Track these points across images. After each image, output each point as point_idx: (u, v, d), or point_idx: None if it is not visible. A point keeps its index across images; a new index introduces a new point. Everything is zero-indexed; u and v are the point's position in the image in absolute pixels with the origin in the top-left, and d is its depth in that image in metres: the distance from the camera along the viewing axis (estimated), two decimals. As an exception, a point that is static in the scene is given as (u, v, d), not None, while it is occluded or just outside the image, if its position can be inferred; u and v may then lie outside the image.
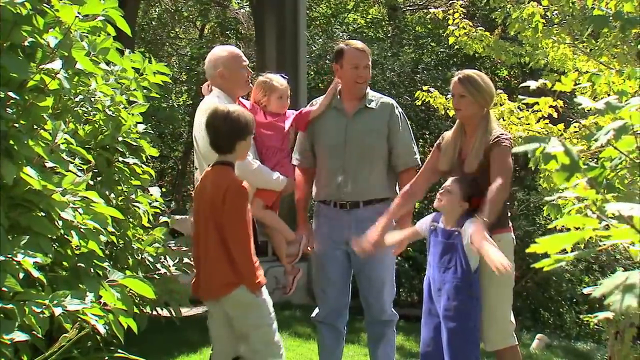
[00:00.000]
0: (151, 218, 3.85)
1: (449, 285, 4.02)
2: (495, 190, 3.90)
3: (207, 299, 3.73)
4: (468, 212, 4.04)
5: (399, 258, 10.24)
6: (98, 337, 2.92)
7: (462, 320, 4.00)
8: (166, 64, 4.29)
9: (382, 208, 4.39)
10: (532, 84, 1.81)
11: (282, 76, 4.65)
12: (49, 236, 2.77)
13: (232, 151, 3.66)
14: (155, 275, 3.74)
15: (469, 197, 4.03)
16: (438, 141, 4.39)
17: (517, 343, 4.26)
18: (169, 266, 3.85)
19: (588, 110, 1.43)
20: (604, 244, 1.40)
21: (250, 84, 4.53)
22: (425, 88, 7.93)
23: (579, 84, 3.65)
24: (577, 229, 1.44)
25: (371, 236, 4.17)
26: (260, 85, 4.57)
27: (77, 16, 2.85)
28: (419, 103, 8.19)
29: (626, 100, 1.38)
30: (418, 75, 12.65)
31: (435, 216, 4.22)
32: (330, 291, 4.56)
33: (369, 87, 4.60)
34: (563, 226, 1.55)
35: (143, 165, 3.83)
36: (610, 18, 3.90)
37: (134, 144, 3.76)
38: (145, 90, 3.84)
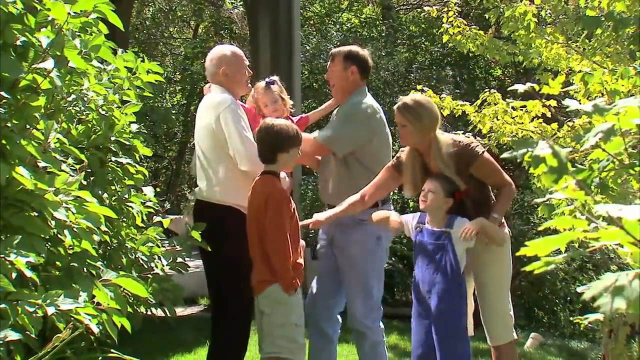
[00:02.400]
0: (145, 218, 3.85)
1: (439, 287, 4.03)
2: (507, 193, 4.10)
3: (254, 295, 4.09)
4: (453, 210, 4.07)
5: (392, 259, 10.26)
6: (92, 336, 2.91)
7: (454, 320, 4.02)
8: (160, 63, 4.29)
9: (363, 215, 4.38)
10: (521, 87, 1.82)
11: (266, 81, 4.66)
12: (42, 236, 2.76)
13: (274, 161, 3.99)
14: (149, 275, 3.74)
15: (452, 193, 4.05)
16: (395, 163, 4.33)
17: (515, 338, 4.29)
18: (163, 266, 3.84)
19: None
20: (594, 245, 1.41)
21: (250, 85, 4.57)
22: (419, 87, 7.93)
23: (571, 83, 3.66)
24: (568, 230, 1.44)
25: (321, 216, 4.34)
26: (250, 97, 4.65)
27: (68, 14, 2.84)
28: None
29: (616, 102, 1.39)
30: (412, 75, 12.66)
31: (421, 217, 4.21)
32: (315, 284, 4.57)
33: (365, 92, 4.58)
34: (556, 227, 1.56)
35: (136, 165, 3.83)
36: (603, 18, 3.91)
37: (127, 143, 3.76)
38: (138, 90, 3.84)
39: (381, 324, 4.51)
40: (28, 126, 2.84)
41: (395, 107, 4.16)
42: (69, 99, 3.30)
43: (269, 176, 4.00)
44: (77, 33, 3.02)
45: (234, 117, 4.18)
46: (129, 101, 3.79)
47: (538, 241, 1.39)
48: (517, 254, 1.47)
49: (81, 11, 2.94)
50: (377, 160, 4.46)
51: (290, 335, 3.96)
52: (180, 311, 7.97)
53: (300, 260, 4.02)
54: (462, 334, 4.04)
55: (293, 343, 3.97)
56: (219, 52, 4.49)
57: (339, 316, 4.66)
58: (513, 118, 6.44)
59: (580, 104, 1.60)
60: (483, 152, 4.08)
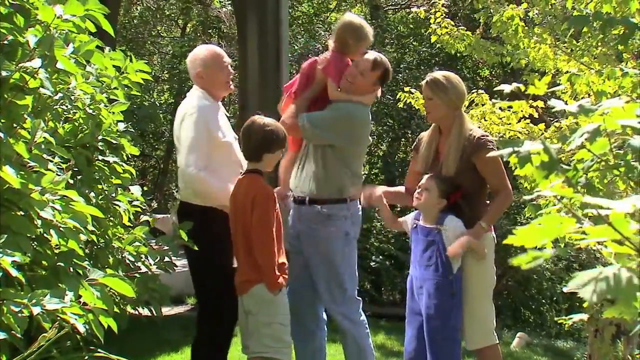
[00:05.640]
0: (132, 217, 3.83)
1: (430, 283, 4.06)
2: (502, 200, 4.17)
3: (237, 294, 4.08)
4: (446, 209, 4.11)
5: (380, 257, 10.27)
6: (78, 336, 2.90)
7: (444, 318, 4.03)
8: (147, 62, 4.26)
9: (330, 209, 4.39)
10: (506, 88, 1.83)
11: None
12: (28, 235, 2.75)
13: (258, 160, 4.01)
14: (136, 274, 3.72)
15: (446, 193, 4.09)
16: (415, 143, 4.45)
17: (498, 342, 4.30)
18: (150, 265, 3.83)
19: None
20: (580, 242, 1.41)
21: (232, 86, 4.49)
22: (407, 89, 7.97)
23: (558, 84, 3.68)
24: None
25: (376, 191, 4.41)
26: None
27: (59, 16, 2.83)
28: (401, 105, 8.24)
29: (601, 103, 1.40)
30: (400, 75, 12.68)
31: (417, 214, 4.27)
32: (290, 282, 4.55)
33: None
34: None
35: (124, 164, 3.81)
36: (590, 18, 3.93)
37: (115, 142, 3.74)
38: (126, 89, 3.82)
39: (363, 316, 4.47)
40: (15, 125, 2.82)
41: (423, 82, 4.29)
42: (56, 97, 3.28)
43: (255, 175, 4.01)
44: (65, 32, 3.01)
45: (195, 127, 4.19)
46: (117, 100, 3.77)
47: (525, 229, 1.39)
48: (504, 242, 1.47)
49: (70, 15, 2.93)
50: (355, 157, 4.50)
51: (276, 334, 3.95)
52: (167, 310, 7.95)
53: (284, 260, 4.02)
54: (452, 332, 4.06)
55: (279, 342, 3.97)
56: (196, 53, 4.45)
57: (323, 313, 4.64)
58: (500, 119, 6.47)
59: (566, 104, 1.61)
60: (493, 147, 4.12)
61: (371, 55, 4.40)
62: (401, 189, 4.59)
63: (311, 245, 4.41)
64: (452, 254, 3.97)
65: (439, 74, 4.28)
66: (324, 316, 4.63)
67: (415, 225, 4.25)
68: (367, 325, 4.48)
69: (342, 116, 4.38)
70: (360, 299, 4.49)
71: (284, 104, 4.57)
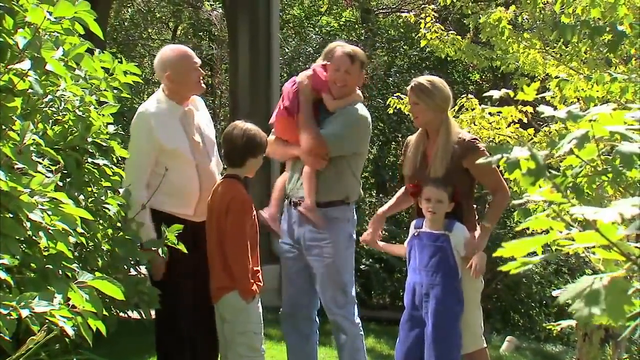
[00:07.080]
0: (121, 219, 3.82)
1: (438, 289, 4.06)
2: (501, 198, 4.21)
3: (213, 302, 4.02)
4: (450, 212, 4.15)
5: (370, 260, 10.26)
6: (66, 339, 2.89)
7: (451, 323, 4.06)
8: (138, 64, 4.25)
9: (333, 212, 4.39)
10: (495, 94, 1.84)
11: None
12: (17, 237, 2.73)
13: (242, 165, 3.96)
14: (125, 277, 3.71)
15: (452, 195, 4.13)
16: (404, 147, 4.46)
17: (485, 345, 4.32)
18: (140, 268, 3.82)
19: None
20: (569, 248, 1.42)
21: (203, 85, 4.38)
22: (396, 94, 8.01)
23: (547, 89, 3.70)
24: (544, 231, 1.46)
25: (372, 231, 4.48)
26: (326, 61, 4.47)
27: (48, 19, 2.83)
28: (391, 111, 8.27)
29: (589, 108, 1.41)
30: (391, 79, 12.70)
31: (417, 222, 4.26)
32: (287, 287, 4.55)
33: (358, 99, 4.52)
34: (533, 229, 1.57)
35: (113, 167, 3.80)
36: (579, 27, 3.96)
37: (104, 144, 3.73)
38: (115, 91, 3.81)
39: (358, 319, 4.49)
40: (4, 127, 2.81)
41: (408, 87, 4.31)
42: (45, 99, 3.27)
43: (233, 180, 3.97)
44: (55, 34, 3.00)
45: (137, 133, 4.18)
46: (106, 102, 3.76)
47: (514, 243, 1.40)
48: (494, 255, 1.48)
49: (60, 17, 2.92)
50: (361, 160, 4.56)
51: (250, 343, 3.93)
52: (157, 314, 7.91)
53: (258, 267, 3.98)
54: (457, 339, 4.07)
55: (254, 351, 3.95)
56: (164, 55, 4.33)
57: (317, 317, 4.64)
58: (490, 123, 6.50)
59: (556, 109, 1.62)
60: (483, 149, 4.14)
61: (340, 51, 4.39)
62: (399, 194, 4.60)
63: (316, 248, 4.39)
64: (480, 271, 4.03)
65: (423, 79, 4.29)
66: (317, 320, 4.65)
67: (417, 232, 4.24)
68: (361, 327, 4.51)
69: (355, 121, 4.41)
70: (357, 302, 4.53)
71: (276, 120, 4.50)
